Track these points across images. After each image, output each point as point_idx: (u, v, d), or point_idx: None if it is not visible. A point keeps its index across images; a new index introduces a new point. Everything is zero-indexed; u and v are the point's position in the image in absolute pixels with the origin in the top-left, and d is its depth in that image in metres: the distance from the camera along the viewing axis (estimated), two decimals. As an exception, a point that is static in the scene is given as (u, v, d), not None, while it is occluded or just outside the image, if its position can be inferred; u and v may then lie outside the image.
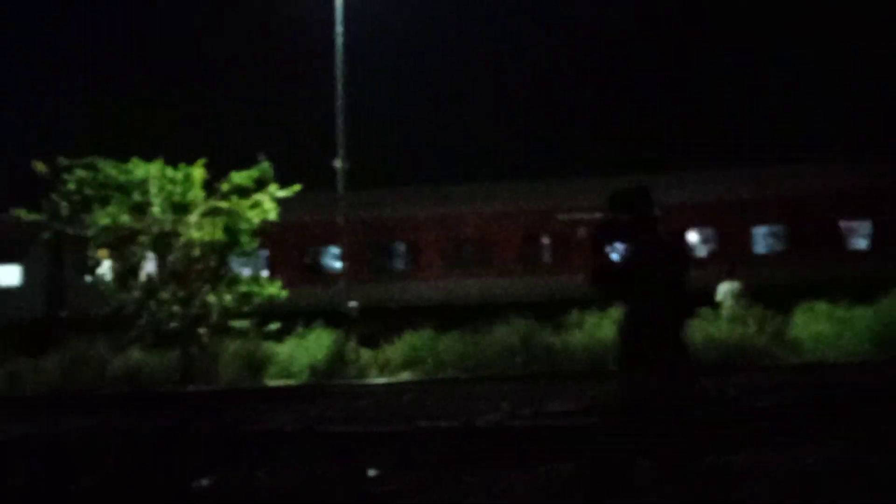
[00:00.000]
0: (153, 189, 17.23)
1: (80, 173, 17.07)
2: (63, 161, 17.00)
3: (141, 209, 17.30)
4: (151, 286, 17.44)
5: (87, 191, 17.03)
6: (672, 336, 5.82)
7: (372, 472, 8.64)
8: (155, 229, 17.36)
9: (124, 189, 17.24)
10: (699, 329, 16.96)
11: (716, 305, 18.38)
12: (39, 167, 16.90)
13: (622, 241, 5.84)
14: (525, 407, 12.31)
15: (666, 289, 5.81)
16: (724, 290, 18.78)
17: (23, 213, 17.20)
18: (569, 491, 7.32)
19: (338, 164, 20.00)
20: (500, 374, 16.49)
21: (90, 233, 17.26)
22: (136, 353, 17.49)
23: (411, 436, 10.73)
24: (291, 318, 18.92)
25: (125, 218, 17.22)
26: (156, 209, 17.25)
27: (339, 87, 19.80)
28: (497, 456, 9.01)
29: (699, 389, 6.65)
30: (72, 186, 16.97)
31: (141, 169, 17.37)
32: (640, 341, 5.84)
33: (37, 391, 16.87)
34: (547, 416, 11.50)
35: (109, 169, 17.25)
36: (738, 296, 18.50)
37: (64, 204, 16.97)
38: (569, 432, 10.10)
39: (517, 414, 11.77)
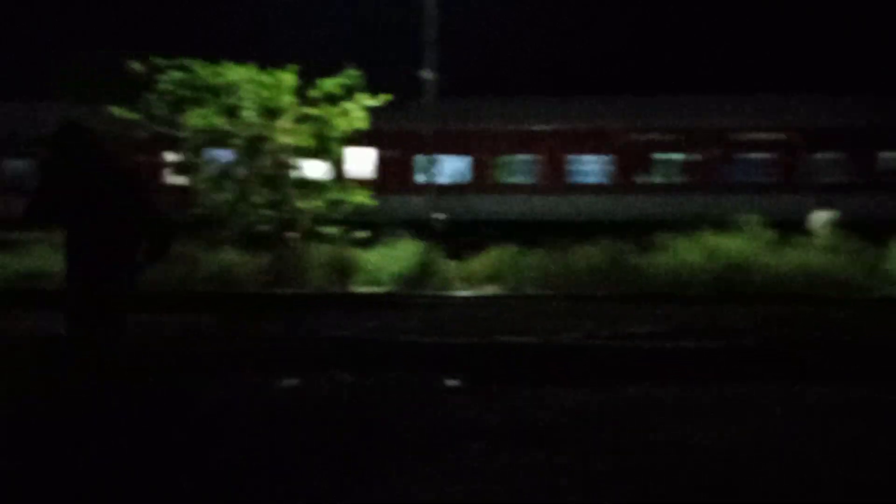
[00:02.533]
0: (244, 93, 17.37)
1: (175, 74, 17.29)
2: (159, 61, 17.21)
3: (232, 112, 17.49)
4: (243, 189, 17.73)
5: (181, 92, 17.26)
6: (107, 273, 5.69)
7: (450, 383, 8.75)
8: (246, 133, 17.56)
9: (216, 91, 17.42)
10: (792, 256, 16.63)
11: (808, 234, 17.95)
12: (135, 67, 17.16)
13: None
14: (606, 327, 12.27)
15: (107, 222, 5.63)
16: (819, 219, 18.29)
17: (120, 111, 17.52)
18: (633, 409, 7.32)
19: (426, 74, 19.85)
20: (584, 294, 16.42)
21: (184, 134, 17.56)
22: (227, 255, 17.86)
23: (490, 349, 10.82)
24: (380, 226, 19.08)
25: (217, 120, 17.43)
26: (247, 113, 17.41)
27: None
28: (573, 374, 9.04)
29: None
30: (167, 87, 17.22)
31: (233, 72, 17.50)
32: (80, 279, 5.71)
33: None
34: (627, 338, 11.45)
35: (202, 70, 17.42)
36: (831, 225, 18.01)
37: (159, 104, 17.24)
38: (647, 354, 10.05)
39: (597, 334, 11.75)
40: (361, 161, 26.00)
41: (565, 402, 7.69)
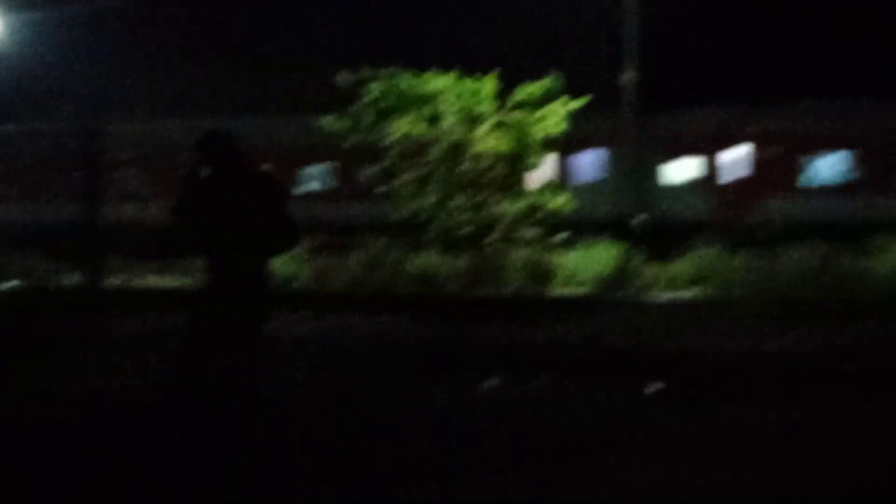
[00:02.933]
0: (446, 101, 17.76)
1: (381, 84, 17.88)
2: (365, 73, 17.86)
3: (434, 120, 17.91)
4: (444, 194, 18.12)
5: (387, 101, 17.82)
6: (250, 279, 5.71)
7: (650, 390, 8.61)
8: (447, 139, 17.93)
9: (419, 100, 17.88)
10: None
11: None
12: (343, 79, 17.86)
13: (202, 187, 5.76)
14: (813, 338, 11.69)
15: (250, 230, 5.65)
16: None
17: (330, 122, 18.30)
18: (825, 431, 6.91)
19: (626, 78, 19.56)
20: (791, 299, 15.66)
21: (387, 142, 18.13)
22: (428, 258, 18.30)
23: (692, 356, 10.55)
24: (578, 229, 18.98)
25: (420, 128, 17.90)
26: (448, 120, 17.78)
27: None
28: (779, 387, 8.67)
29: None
30: (373, 97, 17.82)
31: (435, 81, 17.92)
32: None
33: (338, 289, 18.07)
34: (837, 352, 10.82)
35: (406, 81, 17.93)
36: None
37: (366, 114, 17.88)
38: (856, 375, 9.40)
39: (804, 347, 11.18)
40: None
41: (771, 417, 7.41)
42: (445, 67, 18.13)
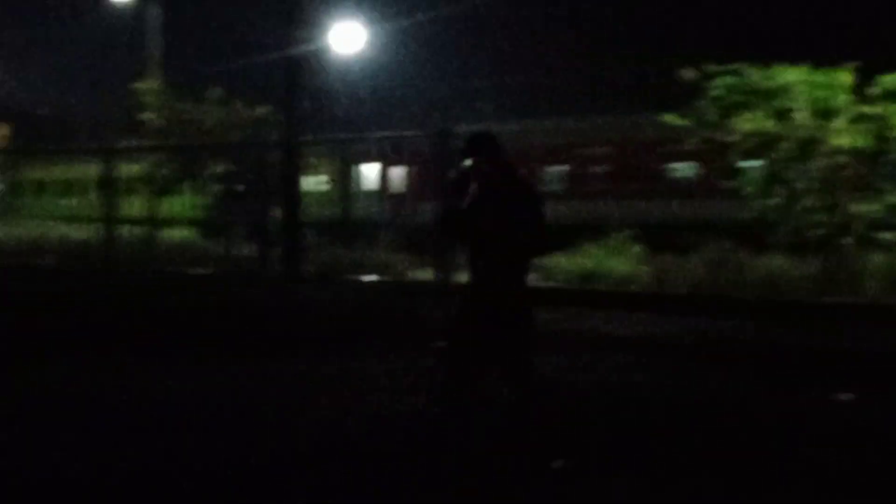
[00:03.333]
0: (796, 94, 16.87)
1: (728, 79, 17.35)
2: (710, 68, 17.40)
3: (783, 115, 17.09)
4: (794, 193, 17.24)
5: (734, 97, 17.27)
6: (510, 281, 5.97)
7: None
8: (796, 135, 17.06)
9: (767, 95, 17.15)
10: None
11: None
12: (687, 75, 17.51)
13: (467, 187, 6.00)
14: None
15: (512, 234, 5.87)
16: None
17: (673, 119, 18.03)
18: None
19: None
20: None
21: (732, 139, 17.54)
22: (774, 260, 17.48)
23: None
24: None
25: (767, 123, 17.17)
26: (798, 115, 16.90)
27: None
28: None
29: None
30: (718, 92, 17.34)
31: (784, 74, 17.09)
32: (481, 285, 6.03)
33: (678, 290, 17.77)
34: None
35: (755, 75, 17.27)
36: None
37: (711, 109, 17.43)
38: None
39: None
40: None
41: None
42: (794, 61, 17.24)
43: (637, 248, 18.91)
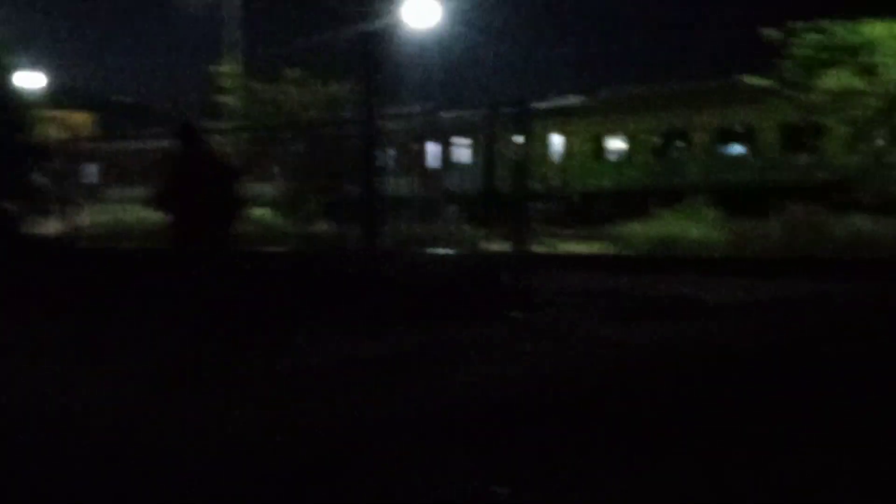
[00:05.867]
0: (884, 50, 16.49)
1: (811, 37, 17.02)
2: (794, 26, 17.09)
3: (870, 71, 16.71)
4: (880, 150, 16.90)
5: (817, 54, 16.95)
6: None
7: None
8: (884, 91, 16.68)
9: (854, 51, 16.79)
10: None
11: None
12: (771, 34, 17.22)
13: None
14: None
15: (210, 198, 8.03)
16: None
17: (754, 80, 17.79)
18: None
19: None
20: None
21: (816, 97, 17.24)
22: (860, 219, 17.13)
23: None
24: None
25: (854, 81, 16.81)
26: (889, 70, 16.52)
27: None
28: None
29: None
30: (805, 51, 17.03)
31: (872, 29, 16.70)
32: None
33: (759, 253, 17.51)
34: None
35: (839, 31, 16.91)
36: None
37: (793, 68, 17.13)
38: None
39: None
40: None
41: None
42: (881, 14, 16.83)
43: (713, 213, 18.78)
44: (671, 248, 18.35)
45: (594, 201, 29.87)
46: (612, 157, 32.17)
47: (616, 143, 32.18)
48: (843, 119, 17.40)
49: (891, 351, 8.60)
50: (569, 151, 32.33)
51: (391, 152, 24.60)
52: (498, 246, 18.08)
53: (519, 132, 12.95)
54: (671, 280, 14.35)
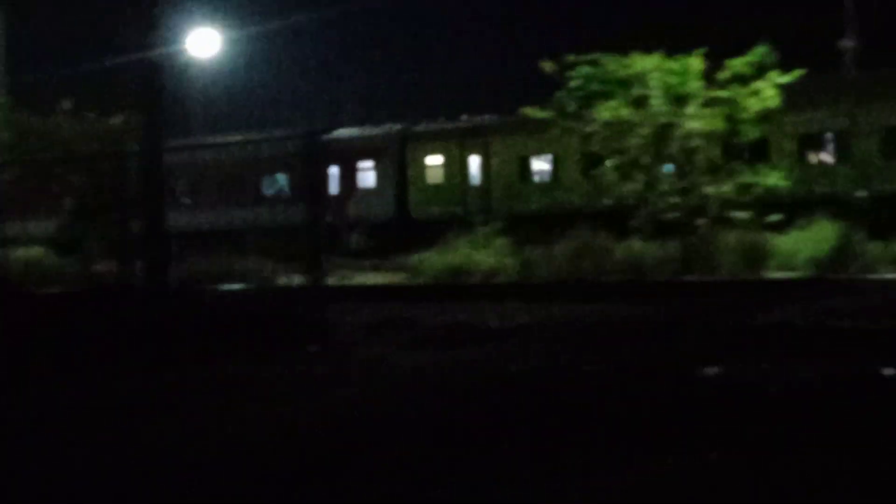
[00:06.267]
0: (652, 82, 17.49)
1: (585, 70, 17.82)
2: (569, 59, 17.84)
3: (640, 102, 17.68)
4: (651, 178, 17.86)
5: (592, 87, 17.77)
6: None
7: (888, 371, 8.16)
8: (653, 122, 17.68)
9: (624, 83, 17.72)
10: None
11: None
12: (547, 66, 17.91)
13: None
14: None
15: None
16: None
17: (534, 112, 18.42)
18: None
19: (845, 44, 18.57)
20: None
21: (591, 128, 18.05)
22: (635, 244, 18.05)
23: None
24: (792, 208, 18.27)
25: (625, 112, 17.73)
26: (655, 102, 17.52)
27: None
28: None
29: None
30: (577, 83, 17.81)
31: (640, 63, 17.68)
32: None
33: (546, 279, 18.14)
34: None
35: (611, 64, 17.80)
36: None
37: (570, 100, 17.88)
38: None
39: None
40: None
41: None
42: (649, 48, 17.87)
43: (501, 241, 19.32)
44: (464, 276, 18.69)
45: (394, 230, 30.05)
46: (430, 189, 32.47)
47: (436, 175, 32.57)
48: (618, 149, 18.29)
49: (643, 368, 9.02)
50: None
51: (182, 184, 23.88)
52: (296, 279, 17.81)
53: (308, 162, 12.84)
54: (462, 307, 14.59)
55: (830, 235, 17.33)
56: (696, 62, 17.47)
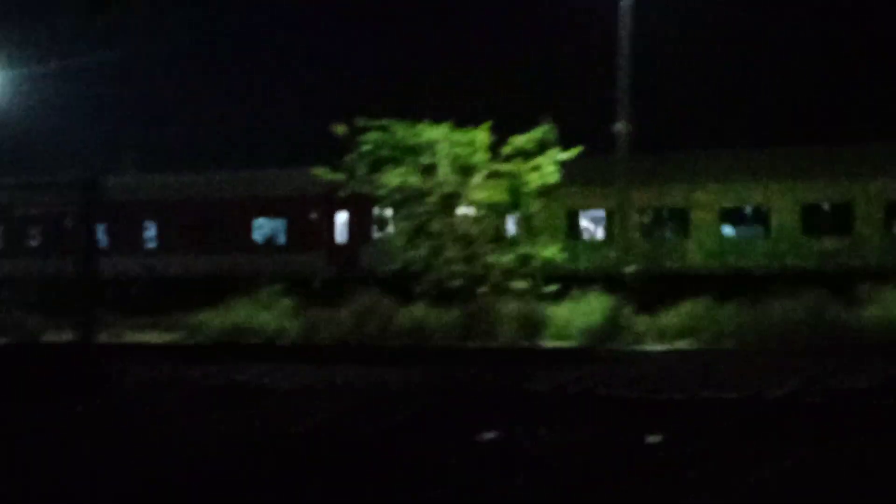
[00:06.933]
0: (441, 151, 17.85)
1: (376, 135, 17.97)
2: (361, 123, 17.94)
3: (428, 170, 17.99)
4: (437, 245, 18.13)
5: (382, 152, 17.93)
6: None
7: (652, 439, 8.55)
8: (440, 190, 18.01)
9: (414, 150, 17.98)
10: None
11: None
12: (339, 129, 17.94)
13: None
14: (813, 383, 11.71)
15: None
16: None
17: (324, 173, 18.35)
18: (865, 471, 6.91)
19: (619, 128, 19.70)
20: (783, 349, 15.75)
21: (381, 192, 18.18)
22: (419, 310, 18.24)
23: (691, 405, 10.51)
24: (569, 280, 19.06)
25: (414, 178, 17.97)
26: (442, 170, 17.87)
27: (623, 43, 19.25)
28: (785, 432, 8.65)
29: None
30: (367, 148, 17.91)
31: (430, 132, 18.03)
32: None
33: (329, 341, 17.99)
34: (839, 394, 10.89)
35: (401, 131, 18.04)
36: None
37: (361, 164, 17.95)
38: (867, 411, 9.49)
39: (805, 390, 11.22)
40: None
41: (779, 462, 7.38)
42: (439, 119, 18.27)
43: (287, 302, 19.04)
44: (244, 335, 18.26)
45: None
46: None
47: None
48: (406, 215, 18.47)
49: (420, 432, 9.09)
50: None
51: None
52: (66, 335, 16.77)
53: (83, 212, 12.23)
54: (239, 368, 14.21)
55: (602, 308, 18.16)
56: (482, 135, 18.01)
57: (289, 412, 10.23)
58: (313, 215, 28.59)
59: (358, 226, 27.20)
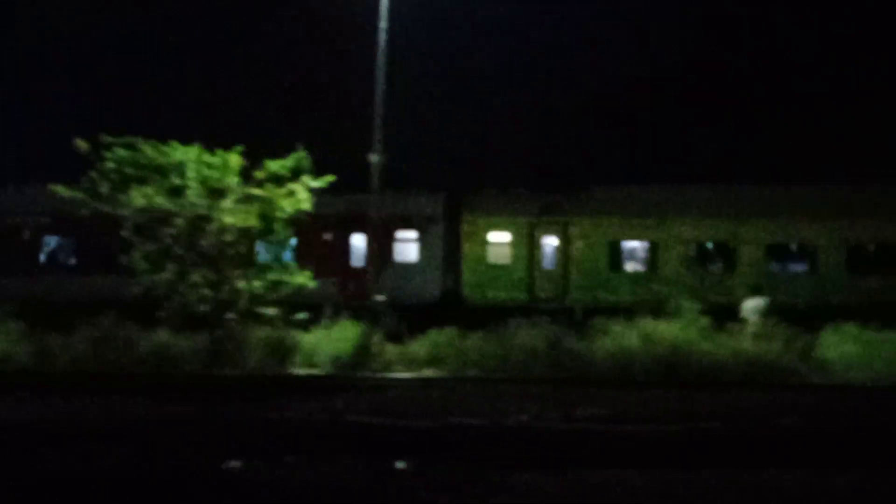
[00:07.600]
0: (190, 173, 17.31)
1: (121, 152, 17.16)
2: (105, 139, 17.09)
3: (177, 192, 17.37)
4: (183, 269, 17.50)
5: (127, 170, 17.14)
6: None
7: (400, 465, 8.67)
8: (189, 212, 17.44)
9: (162, 171, 17.33)
10: (723, 344, 17.00)
11: (741, 321, 18.29)
12: (81, 145, 17.00)
13: None
14: (552, 410, 12.31)
15: None
16: (749, 307, 18.69)
17: (61, 190, 17.30)
18: (597, 496, 7.32)
19: (373, 158, 19.90)
20: (524, 377, 16.49)
21: (126, 213, 17.36)
22: (164, 335, 17.55)
23: (438, 431, 10.77)
24: (318, 308, 18.98)
25: (161, 200, 17.30)
26: (192, 192, 17.32)
27: (379, 80, 19.58)
28: (524, 457, 9.02)
29: None
30: (111, 165, 17.07)
31: (179, 152, 17.44)
32: None
33: (64, 369, 16.93)
34: (576, 421, 11.51)
35: (149, 150, 17.33)
36: (762, 313, 18.39)
37: (103, 182, 17.07)
38: (597, 437, 10.10)
39: (545, 416, 11.77)
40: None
41: (518, 486, 7.67)
42: (189, 140, 17.73)
43: (14, 325, 17.83)
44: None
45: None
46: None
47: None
48: (152, 236, 17.70)
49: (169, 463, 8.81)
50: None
51: None
52: None
53: None
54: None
55: (353, 335, 18.20)
56: (234, 158, 17.62)
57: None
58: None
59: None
